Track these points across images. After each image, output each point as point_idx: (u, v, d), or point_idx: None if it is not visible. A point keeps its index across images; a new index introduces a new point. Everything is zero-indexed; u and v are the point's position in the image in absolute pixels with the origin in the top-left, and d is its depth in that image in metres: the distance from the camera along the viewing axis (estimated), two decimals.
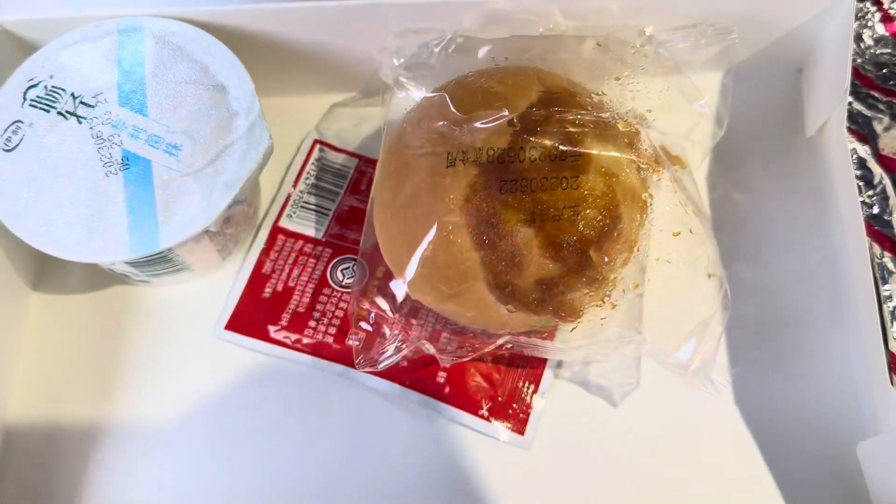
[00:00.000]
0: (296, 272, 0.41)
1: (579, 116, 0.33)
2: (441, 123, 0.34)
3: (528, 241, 0.32)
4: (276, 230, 0.42)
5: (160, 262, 0.37)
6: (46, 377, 0.40)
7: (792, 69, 0.43)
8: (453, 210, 0.32)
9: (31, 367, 0.40)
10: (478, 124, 0.33)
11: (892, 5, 0.43)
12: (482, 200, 0.32)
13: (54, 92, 0.36)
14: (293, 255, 0.42)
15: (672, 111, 0.37)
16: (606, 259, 0.32)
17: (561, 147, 0.32)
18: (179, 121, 0.36)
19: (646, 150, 0.34)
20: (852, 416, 0.37)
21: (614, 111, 0.34)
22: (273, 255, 0.42)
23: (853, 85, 0.42)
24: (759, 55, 0.42)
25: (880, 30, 0.43)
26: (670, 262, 0.35)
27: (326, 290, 0.41)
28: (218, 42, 0.38)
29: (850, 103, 0.41)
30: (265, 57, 0.41)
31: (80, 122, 0.35)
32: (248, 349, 0.40)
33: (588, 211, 0.31)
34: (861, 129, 0.41)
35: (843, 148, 0.37)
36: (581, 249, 0.32)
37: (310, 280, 0.41)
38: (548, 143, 0.32)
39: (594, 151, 0.32)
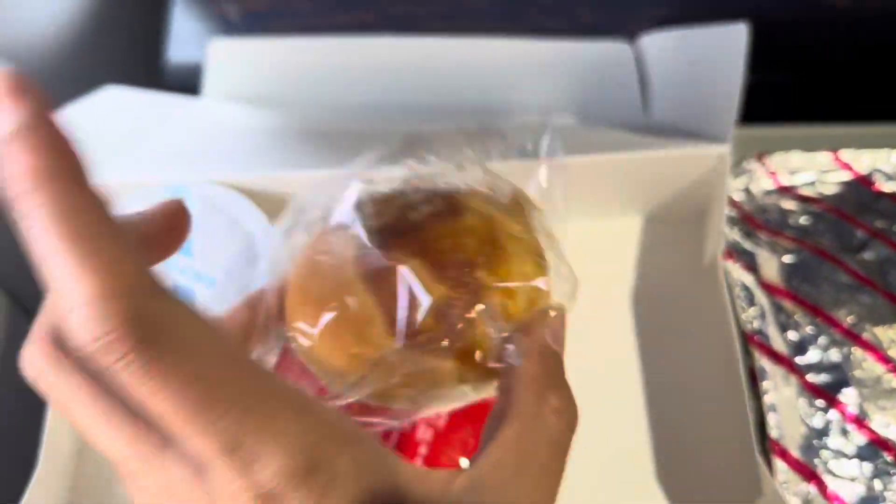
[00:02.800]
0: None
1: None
2: None
3: (416, 269, 0.30)
4: (285, 347, 0.52)
5: None
6: None
7: (697, 214, 0.54)
8: (348, 268, 0.32)
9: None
10: None
11: (772, 163, 0.55)
12: (370, 252, 0.31)
13: None
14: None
15: None
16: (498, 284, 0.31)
17: (445, 206, 0.32)
18: (216, 261, 0.46)
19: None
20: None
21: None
22: None
23: (742, 226, 0.53)
24: (671, 202, 0.54)
25: (765, 183, 0.54)
26: None
27: None
28: (247, 200, 0.49)
29: (738, 241, 0.52)
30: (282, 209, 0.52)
31: None
32: None
33: (468, 240, 0.31)
34: (748, 261, 0.51)
35: (721, 278, 0.48)
36: (468, 270, 0.31)
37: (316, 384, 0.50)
38: (433, 204, 0.33)
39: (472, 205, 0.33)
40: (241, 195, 0.49)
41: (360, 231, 0.32)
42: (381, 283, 0.30)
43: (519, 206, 0.35)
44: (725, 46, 0.50)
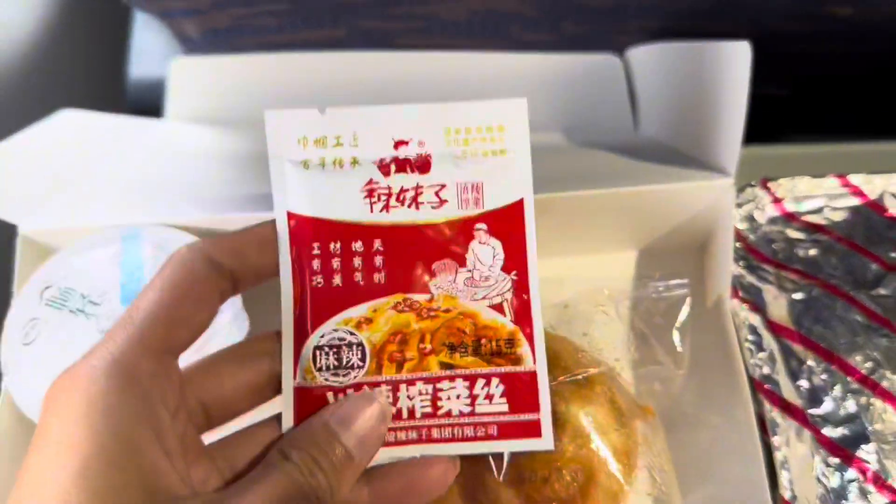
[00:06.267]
0: None
1: (559, 380, 0.38)
2: None
3: (510, 502, 0.36)
4: None
5: None
6: None
7: (696, 248, 0.50)
8: None
9: None
10: None
11: (777, 189, 0.51)
12: (467, 466, 0.35)
13: (66, 292, 0.43)
14: None
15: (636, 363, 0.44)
16: None
17: None
18: None
19: (620, 405, 0.40)
20: None
21: (588, 368, 0.40)
22: None
23: (747, 259, 0.49)
24: (668, 235, 0.50)
25: (770, 210, 0.50)
26: None
27: None
28: None
29: (743, 276, 0.48)
30: None
31: (87, 319, 0.42)
32: None
33: (563, 472, 0.36)
34: (754, 299, 0.47)
35: (729, 320, 0.44)
36: None
37: None
38: None
39: (572, 415, 0.37)
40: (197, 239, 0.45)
41: None
42: (477, 500, 0.37)
43: (618, 409, 0.39)
44: (725, 66, 0.45)
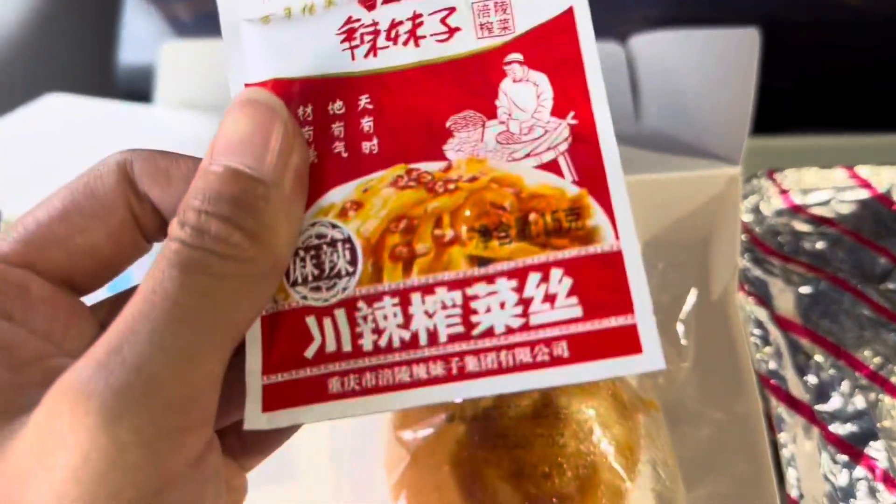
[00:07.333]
0: None
1: None
2: None
3: (508, 498, 0.34)
4: None
5: None
6: None
7: (701, 239, 0.49)
8: (445, 466, 0.35)
9: None
10: None
11: (783, 181, 0.50)
12: (467, 458, 0.34)
13: None
14: None
15: None
16: None
17: (543, 403, 0.35)
18: None
19: (623, 399, 0.38)
20: None
21: None
22: None
23: (753, 251, 0.48)
24: (673, 226, 0.48)
25: (776, 202, 0.49)
26: None
27: None
28: None
29: (748, 269, 0.47)
30: None
31: None
32: None
33: (564, 467, 0.34)
34: (759, 292, 0.46)
35: (736, 312, 0.43)
36: (556, 502, 0.34)
37: None
38: (532, 398, 0.35)
39: (573, 408, 0.36)
40: None
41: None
42: (475, 494, 0.34)
43: (620, 402, 0.37)
44: (732, 53, 0.44)
